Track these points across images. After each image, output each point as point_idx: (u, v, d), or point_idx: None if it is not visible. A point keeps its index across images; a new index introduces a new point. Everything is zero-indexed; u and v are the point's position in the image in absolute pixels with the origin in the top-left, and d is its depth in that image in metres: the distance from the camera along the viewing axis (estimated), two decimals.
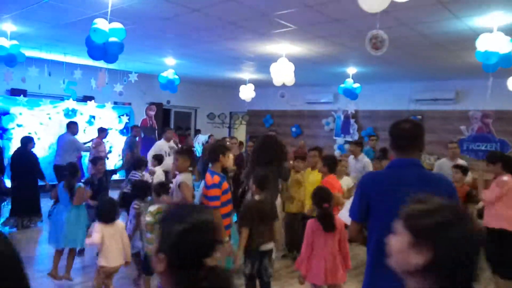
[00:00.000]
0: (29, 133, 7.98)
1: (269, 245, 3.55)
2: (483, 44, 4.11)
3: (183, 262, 1.17)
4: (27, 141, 6.38)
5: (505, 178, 4.04)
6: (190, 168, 4.57)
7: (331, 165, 4.55)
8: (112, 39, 3.99)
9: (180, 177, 3.75)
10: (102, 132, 8.01)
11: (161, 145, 7.10)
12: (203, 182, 3.71)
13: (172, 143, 7.28)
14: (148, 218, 3.79)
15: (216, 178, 3.53)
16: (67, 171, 4.57)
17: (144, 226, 3.93)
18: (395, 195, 1.97)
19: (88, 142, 7.90)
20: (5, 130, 7.84)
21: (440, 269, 1.02)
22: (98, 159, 5.23)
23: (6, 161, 6.55)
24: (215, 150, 3.74)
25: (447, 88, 8.60)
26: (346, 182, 5.22)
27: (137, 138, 8.45)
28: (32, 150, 6.38)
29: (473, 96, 8.24)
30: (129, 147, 8.06)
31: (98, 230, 3.58)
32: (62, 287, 4.22)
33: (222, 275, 1.21)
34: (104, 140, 8.05)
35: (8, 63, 5.54)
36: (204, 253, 1.19)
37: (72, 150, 7.07)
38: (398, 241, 1.08)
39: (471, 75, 7.55)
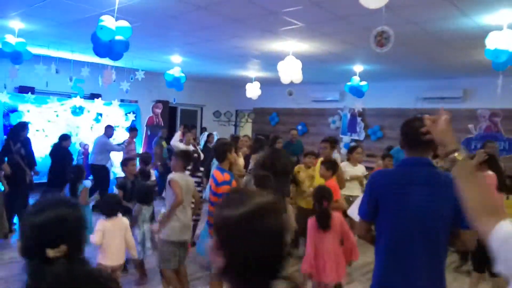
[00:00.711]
0: (38, 130, 8.07)
1: None
2: (492, 42, 4.07)
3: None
4: (63, 138, 6.89)
5: (489, 172, 4.05)
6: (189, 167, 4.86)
7: (333, 168, 4.50)
8: (118, 37, 4.00)
9: (170, 175, 3.91)
10: (133, 131, 8.32)
11: (179, 147, 7.23)
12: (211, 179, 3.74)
13: (191, 146, 7.31)
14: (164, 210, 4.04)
15: (227, 176, 3.59)
16: (72, 174, 4.59)
17: (147, 231, 4.02)
18: (406, 195, 1.98)
19: (122, 143, 8.05)
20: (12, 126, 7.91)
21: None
22: (128, 160, 4.99)
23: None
24: (222, 149, 3.76)
25: (455, 86, 8.52)
26: (361, 169, 5.69)
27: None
28: (68, 147, 6.93)
29: (481, 95, 8.16)
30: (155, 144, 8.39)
31: (99, 228, 3.59)
32: None
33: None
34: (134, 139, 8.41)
35: (14, 60, 5.57)
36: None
37: (104, 151, 7.49)
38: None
39: (479, 73, 7.48)
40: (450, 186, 1.94)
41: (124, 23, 4.05)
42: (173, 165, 4.04)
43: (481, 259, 4.03)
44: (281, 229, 1.01)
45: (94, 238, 3.54)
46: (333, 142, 5.46)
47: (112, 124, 8.25)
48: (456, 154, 1.44)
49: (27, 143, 6.26)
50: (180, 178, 3.88)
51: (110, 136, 7.72)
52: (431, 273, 1.93)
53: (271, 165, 4.16)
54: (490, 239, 1.11)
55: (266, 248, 0.96)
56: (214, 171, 3.79)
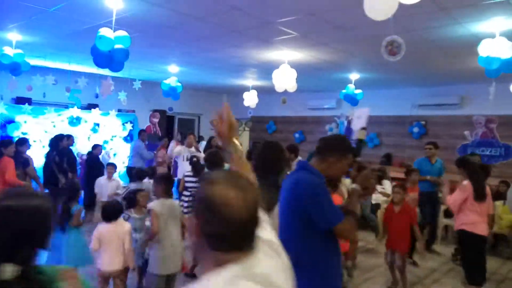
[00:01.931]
0: (35, 140, 8.06)
1: None
2: (485, 49, 4.12)
3: None
4: (95, 147, 7.89)
5: (465, 182, 4.16)
6: None
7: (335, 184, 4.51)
8: (118, 46, 4.02)
9: (150, 203, 3.72)
10: (162, 139, 8.79)
11: (180, 151, 7.39)
12: None
13: (193, 149, 7.37)
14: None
15: None
16: (66, 193, 4.17)
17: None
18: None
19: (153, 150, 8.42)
20: (10, 137, 7.91)
21: None
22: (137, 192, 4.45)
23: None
24: (218, 158, 3.79)
25: (451, 93, 8.58)
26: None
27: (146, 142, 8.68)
28: (98, 155, 7.88)
29: (477, 101, 8.21)
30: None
31: (95, 235, 3.57)
32: None
33: None
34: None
35: (12, 71, 5.59)
36: None
37: (138, 155, 7.97)
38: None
39: (475, 80, 7.54)
40: (293, 190, 2.10)
41: (122, 33, 4.08)
42: (154, 190, 3.82)
43: (475, 270, 4.05)
44: None
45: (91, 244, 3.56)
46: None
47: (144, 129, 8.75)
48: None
49: (65, 153, 7.14)
50: (161, 205, 3.58)
51: (144, 140, 8.26)
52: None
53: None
54: None
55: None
56: None
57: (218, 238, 1.01)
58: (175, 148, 7.79)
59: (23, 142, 6.44)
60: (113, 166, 6.60)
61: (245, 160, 1.64)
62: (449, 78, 7.70)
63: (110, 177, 6.38)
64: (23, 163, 6.19)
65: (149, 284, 3.61)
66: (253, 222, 1.04)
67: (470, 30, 4.45)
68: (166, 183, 3.74)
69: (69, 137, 7.51)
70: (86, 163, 7.93)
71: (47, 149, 8.09)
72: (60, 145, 7.07)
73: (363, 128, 6.61)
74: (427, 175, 6.05)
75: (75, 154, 8.33)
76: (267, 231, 1.18)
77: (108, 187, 6.19)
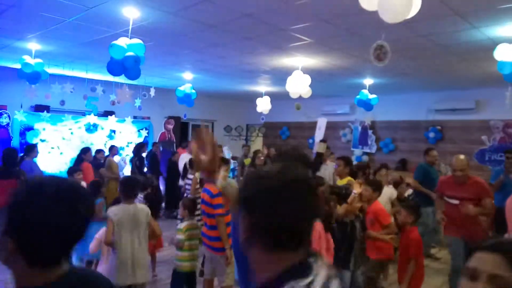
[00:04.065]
0: (52, 147, 8.22)
1: None
2: (501, 54, 4.07)
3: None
4: (98, 152, 8.00)
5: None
6: None
7: (380, 189, 4.23)
8: (130, 53, 4.10)
9: (109, 209, 3.56)
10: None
11: (184, 158, 7.47)
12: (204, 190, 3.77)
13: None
14: (180, 236, 3.80)
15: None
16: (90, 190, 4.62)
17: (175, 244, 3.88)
18: None
19: None
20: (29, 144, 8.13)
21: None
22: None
23: None
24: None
25: (467, 97, 8.47)
26: (388, 192, 5.13)
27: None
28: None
29: (494, 105, 8.08)
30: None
31: (97, 237, 3.55)
32: None
33: None
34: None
35: (32, 80, 5.73)
36: None
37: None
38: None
39: (492, 84, 7.43)
40: None
41: (136, 41, 4.16)
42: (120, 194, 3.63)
43: None
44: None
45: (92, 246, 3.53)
46: (347, 161, 5.35)
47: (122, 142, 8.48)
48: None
49: (146, 157, 8.67)
50: (119, 211, 3.38)
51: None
52: None
53: None
54: None
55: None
56: (207, 184, 3.79)
57: (279, 235, 0.96)
58: (181, 156, 7.92)
59: (32, 149, 6.48)
60: None
61: None
62: (464, 82, 7.61)
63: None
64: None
65: None
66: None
67: (486, 34, 4.40)
68: (128, 186, 3.53)
69: (143, 145, 8.85)
70: (167, 172, 8.60)
71: (64, 156, 8.30)
72: (141, 151, 8.46)
73: (323, 141, 6.50)
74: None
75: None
76: None
77: None
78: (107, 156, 7.94)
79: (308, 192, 1.03)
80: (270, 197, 0.98)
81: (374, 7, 2.78)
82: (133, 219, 3.40)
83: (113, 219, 3.31)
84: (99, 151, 7.97)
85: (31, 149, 6.43)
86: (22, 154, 6.57)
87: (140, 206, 3.56)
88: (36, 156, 6.58)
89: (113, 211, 3.37)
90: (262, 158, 6.46)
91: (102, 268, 3.48)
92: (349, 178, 4.72)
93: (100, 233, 3.57)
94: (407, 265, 3.57)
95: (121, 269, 3.29)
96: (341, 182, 4.84)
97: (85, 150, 7.44)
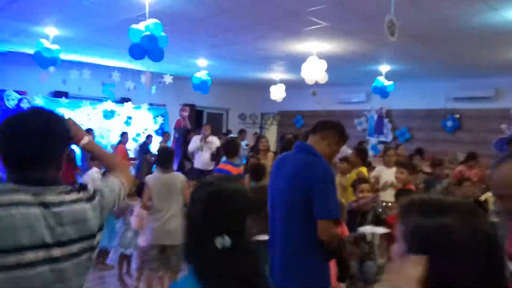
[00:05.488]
0: None
1: (262, 237, 3.36)
2: None
3: None
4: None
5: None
6: None
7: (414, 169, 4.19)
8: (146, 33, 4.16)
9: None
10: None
11: (195, 141, 7.64)
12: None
13: (210, 139, 7.50)
14: None
15: (240, 170, 3.91)
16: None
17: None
18: (273, 180, 2.28)
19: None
20: None
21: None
22: None
23: None
24: (235, 145, 4.03)
25: (486, 85, 8.28)
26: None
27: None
28: None
29: None
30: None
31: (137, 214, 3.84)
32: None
33: None
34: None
35: (44, 64, 5.75)
36: None
37: None
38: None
39: (510, 72, 7.25)
40: (305, 174, 2.08)
41: (152, 20, 4.21)
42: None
43: None
44: None
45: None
46: (360, 150, 5.26)
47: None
48: None
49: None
50: (155, 179, 3.77)
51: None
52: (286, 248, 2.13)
53: None
54: None
55: None
56: (225, 165, 3.91)
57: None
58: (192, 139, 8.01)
59: None
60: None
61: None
62: (483, 69, 7.43)
63: None
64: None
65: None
66: None
67: (505, 17, 4.29)
68: (160, 157, 3.92)
69: (147, 141, 9.02)
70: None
71: None
72: (188, 137, 8.82)
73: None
74: None
75: (110, 146, 8.65)
76: None
77: None
78: (119, 142, 8.13)
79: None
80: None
81: None
82: (169, 187, 3.69)
83: (150, 186, 3.64)
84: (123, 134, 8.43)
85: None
86: None
87: (176, 175, 3.93)
88: None
89: (150, 178, 3.73)
90: (265, 143, 6.53)
91: (141, 239, 3.80)
92: (360, 169, 4.64)
93: (137, 210, 3.87)
94: None
95: (157, 231, 3.59)
96: (351, 175, 4.72)
97: (122, 134, 8.36)
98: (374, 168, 5.52)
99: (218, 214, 1.25)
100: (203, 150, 7.39)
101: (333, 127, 2.28)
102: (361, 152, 5.00)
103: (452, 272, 0.83)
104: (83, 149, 1.58)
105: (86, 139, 1.56)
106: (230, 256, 1.20)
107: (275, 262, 2.18)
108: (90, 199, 1.35)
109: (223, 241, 1.19)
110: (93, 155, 1.67)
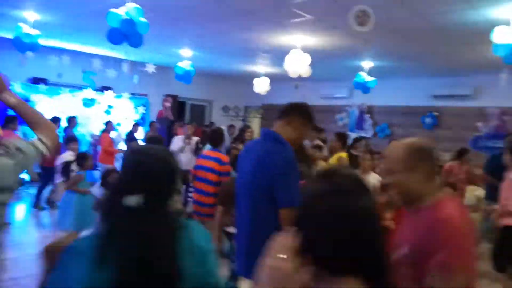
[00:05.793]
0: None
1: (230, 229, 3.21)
2: (498, 36, 4.06)
3: None
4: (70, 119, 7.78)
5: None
6: None
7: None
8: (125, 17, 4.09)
9: None
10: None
11: (177, 140, 7.17)
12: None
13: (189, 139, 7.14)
14: None
15: (228, 157, 4.04)
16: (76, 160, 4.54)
17: None
18: (240, 169, 2.28)
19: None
20: None
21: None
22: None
23: None
24: (221, 133, 4.21)
25: (465, 84, 8.48)
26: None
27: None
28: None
29: (491, 93, 8.09)
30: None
31: None
32: None
33: None
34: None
35: (21, 49, 5.57)
36: None
37: None
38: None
39: (490, 70, 7.43)
40: (268, 161, 2.06)
41: (132, 5, 4.16)
42: None
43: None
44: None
45: None
46: (340, 136, 5.43)
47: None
48: None
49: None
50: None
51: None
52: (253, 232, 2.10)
53: None
54: None
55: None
56: (214, 152, 3.95)
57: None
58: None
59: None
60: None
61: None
62: (462, 67, 7.60)
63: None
64: None
65: None
66: None
67: (484, 15, 4.39)
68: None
69: (134, 129, 8.73)
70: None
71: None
72: (172, 130, 8.61)
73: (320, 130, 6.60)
74: None
75: (90, 135, 8.51)
76: None
77: None
78: (104, 130, 7.94)
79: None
80: None
81: None
82: None
83: None
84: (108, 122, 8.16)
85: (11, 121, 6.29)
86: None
87: None
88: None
89: None
90: (250, 134, 6.61)
91: None
92: (341, 154, 4.76)
93: None
94: None
95: None
96: (332, 160, 4.88)
97: (107, 122, 8.08)
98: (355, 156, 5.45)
99: (131, 173, 1.25)
100: (184, 151, 6.85)
101: (298, 110, 2.22)
102: (342, 137, 5.09)
103: (310, 239, 0.88)
104: (3, 101, 1.60)
105: (8, 93, 1.60)
106: (134, 216, 1.17)
107: (241, 247, 2.18)
108: (12, 156, 1.47)
109: (130, 199, 1.17)
110: (15, 110, 1.65)
